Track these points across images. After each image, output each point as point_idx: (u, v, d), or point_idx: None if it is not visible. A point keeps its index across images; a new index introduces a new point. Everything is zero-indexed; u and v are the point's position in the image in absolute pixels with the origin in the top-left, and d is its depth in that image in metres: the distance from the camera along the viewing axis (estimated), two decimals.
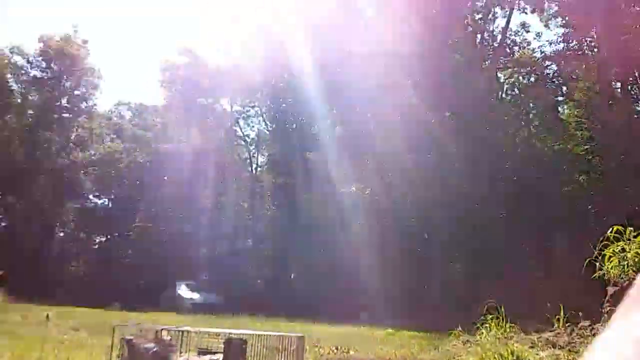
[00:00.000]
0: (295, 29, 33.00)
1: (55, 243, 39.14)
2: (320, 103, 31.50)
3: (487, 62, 28.35)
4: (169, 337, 5.38)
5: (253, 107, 39.22)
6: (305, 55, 30.46)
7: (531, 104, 29.32)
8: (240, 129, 40.36)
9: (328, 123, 33.96)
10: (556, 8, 27.87)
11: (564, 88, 28.55)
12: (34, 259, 33.16)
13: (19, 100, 38.41)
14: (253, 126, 40.43)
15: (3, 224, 35.64)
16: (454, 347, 7.54)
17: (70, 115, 40.52)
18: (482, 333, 7.23)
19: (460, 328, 8.03)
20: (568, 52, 27.37)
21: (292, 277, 27.19)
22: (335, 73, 30.68)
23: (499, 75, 30.04)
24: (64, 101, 40.36)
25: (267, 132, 37.96)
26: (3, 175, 35.03)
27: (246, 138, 40.43)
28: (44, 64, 39.26)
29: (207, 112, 39.66)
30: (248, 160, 40.09)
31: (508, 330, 7.20)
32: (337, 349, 8.13)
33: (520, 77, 30.18)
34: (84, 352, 6.11)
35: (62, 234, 40.76)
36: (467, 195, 23.27)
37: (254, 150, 40.63)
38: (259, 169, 40.42)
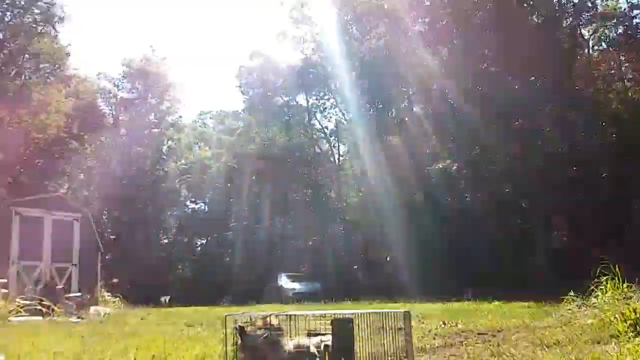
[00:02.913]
0: (359, 13, 32.77)
1: (160, 250, 41.60)
2: (395, 85, 31.08)
3: (568, 20, 26.66)
4: (277, 322, 5.49)
5: (328, 99, 39.42)
6: (373, 39, 30.14)
7: (622, 57, 27.30)
8: (319, 121, 40.77)
9: (406, 104, 33.46)
10: None
11: None
12: (143, 266, 35.45)
13: (111, 121, 41.05)
14: (330, 117, 40.71)
15: (112, 236, 38.35)
16: (569, 312, 7.19)
17: (159, 130, 42.78)
18: (598, 295, 6.84)
19: (573, 293, 7.65)
20: None
21: (387, 259, 27.07)
22: (407, 53, 30.15)
23: (583, 32, 28.21)
24: (151, 117, 42.70)
25: (345, 122, 38.05)
26: (107, 192, 37.78)
27: (325, 130, 40.75)
28: (129, 85, 41.80)
29: (285, 109, 40.36)
30: (330, 151, 40.40)
31: (626, 290, 6.75)
32: (444, 323, 7.99)
33: (607, 31, 28.16)
34: (200, 343, 6.44)
35: (166, 241, 43.22)
36: (566, 158, 22.10)
37: (334, 141, 40.87)
38: (341, 158, 40.63)
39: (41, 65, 34.06)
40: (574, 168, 22.86)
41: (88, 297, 14.18)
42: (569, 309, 7.32)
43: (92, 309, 13.10)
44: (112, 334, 7.91)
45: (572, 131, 22.68)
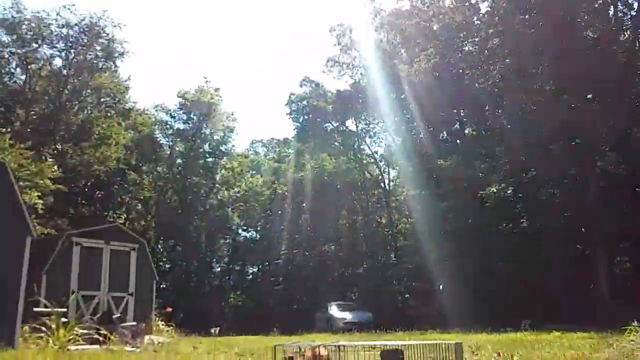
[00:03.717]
0: (407, 36, 32.82)
1: (213, 278, 42.18)
2: (446, 107, 30.70)
3: (626, 34, 25.68)
4: (326, 353, 5.43)
5: (377, 123, 39.38)
6: (422, 61, 29.98)
7: None
8: (368, 146, 40.75)
9: (457, 127, 32.98)
10: None
11: None
12: (196, 294, 36.01)
13: (168, 152, 42.40)
14: (380, 142, 40.67)
15: (167, 265, 39.18)
16: (632, 343, 6.76)
17: (213, 159, 43.83)
18: None
19: (636, 323, 7.20)
20: None
21: (440, 287, 26.37)
22: (456, 74, 29.86)
23: None
24: (206, 147, 43.80)
25: (394, 146, 37.84)
26: (163, 221, 38.81)
27: (375, 155, 40.66)
28: (184, 117, 43.02)
29: (335, 135, 40.53)
30: (380, 177, 40.17)
31: None
32: (499, 354, 7.66)
33: None
34: None
35: (218, 269, 43.80)
36: (627, 180, 21.07)
37: (384, 166, 40.63)
38: (391, 183, 40.29)
39: (102, 100, 35.79)
40: (637, 189, 21.76)
41: (143, 326, 14.42)
42: (632, 340, 6.91)
43: (147, 337, 13.34)
44: None
45: (633, 151, 21.65)
